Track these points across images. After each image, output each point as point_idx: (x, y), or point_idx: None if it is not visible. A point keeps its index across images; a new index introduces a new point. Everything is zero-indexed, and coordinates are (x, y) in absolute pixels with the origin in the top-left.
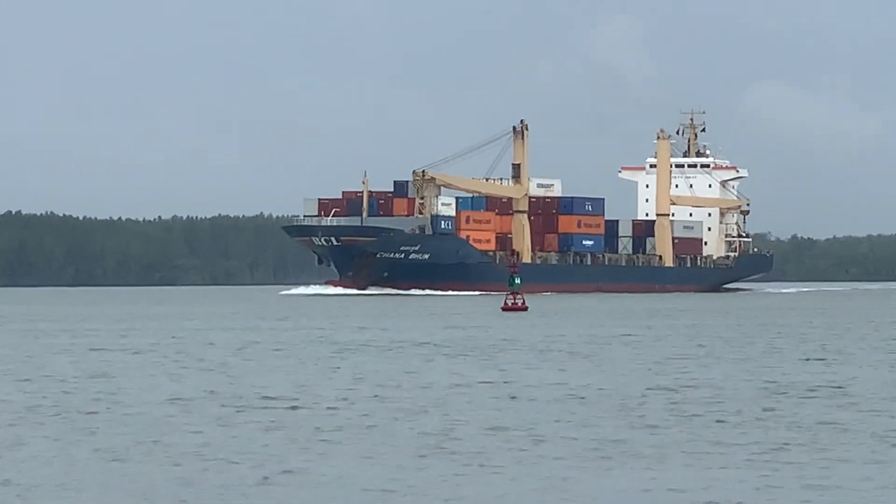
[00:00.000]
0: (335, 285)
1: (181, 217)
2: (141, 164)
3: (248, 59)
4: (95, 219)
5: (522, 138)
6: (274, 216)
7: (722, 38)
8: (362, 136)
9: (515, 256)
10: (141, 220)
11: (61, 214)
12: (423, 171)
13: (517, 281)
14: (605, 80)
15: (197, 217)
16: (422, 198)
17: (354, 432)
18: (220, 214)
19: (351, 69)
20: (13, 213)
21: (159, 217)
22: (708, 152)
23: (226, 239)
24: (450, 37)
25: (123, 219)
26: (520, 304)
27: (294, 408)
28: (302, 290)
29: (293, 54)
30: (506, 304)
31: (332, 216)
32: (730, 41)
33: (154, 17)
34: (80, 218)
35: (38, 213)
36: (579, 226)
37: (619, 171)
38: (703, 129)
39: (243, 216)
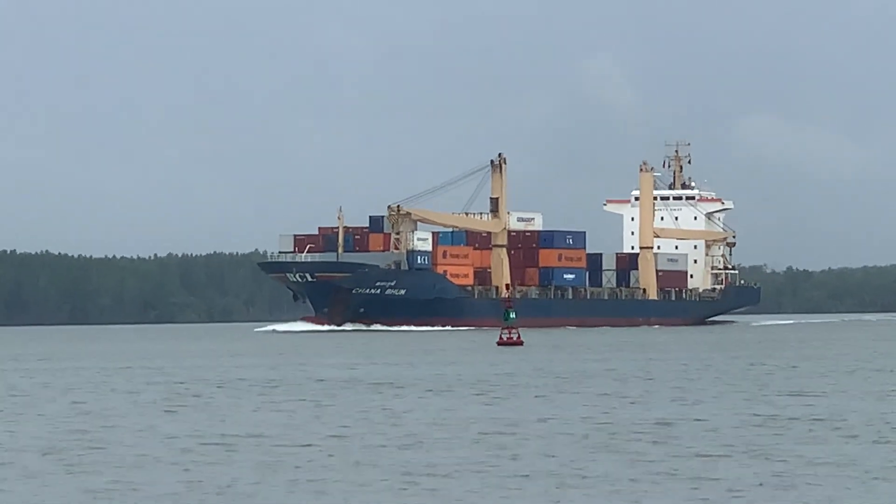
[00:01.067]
0: (311, 321)
1: (176, 254)
2: (135, 202)
3: (235, 98)
4: (90, 257)
5: (501, 172)
6: (268, 253)
7: (709, 70)
8: (342, 171)
9: (508, 291)
10: (136, 257)
11: (56, 253)
12: (399, 207)
13: (512, 315)
14: (589, 113)
15: (192, 254)
16: (397, 233)
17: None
18: (215, 252)
19: (329, 102)
20: (8, 252)
21: (154, 255)
22: (693, 184)
23: (221, 276)
24: (429, 70)
25: (118, 257)
26: (515, 339)
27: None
28: (277, 326)
29: (275, 93)
30: (501, 338)
31: (308, 252)
32: (717, 73)
33: (144, 58)
34: (76, 256)
35: (34, 252)
36: (560, 259)
37: (605, 205)
38: (689, 161)
39: (238, 253)
